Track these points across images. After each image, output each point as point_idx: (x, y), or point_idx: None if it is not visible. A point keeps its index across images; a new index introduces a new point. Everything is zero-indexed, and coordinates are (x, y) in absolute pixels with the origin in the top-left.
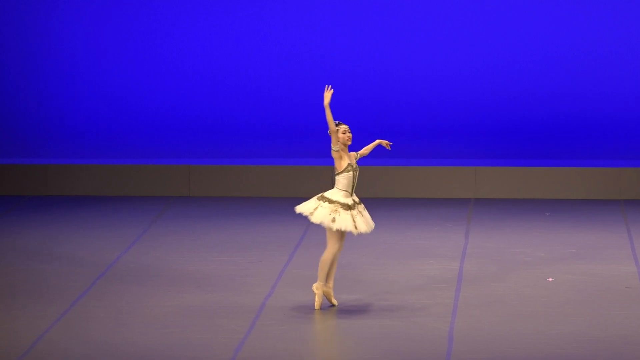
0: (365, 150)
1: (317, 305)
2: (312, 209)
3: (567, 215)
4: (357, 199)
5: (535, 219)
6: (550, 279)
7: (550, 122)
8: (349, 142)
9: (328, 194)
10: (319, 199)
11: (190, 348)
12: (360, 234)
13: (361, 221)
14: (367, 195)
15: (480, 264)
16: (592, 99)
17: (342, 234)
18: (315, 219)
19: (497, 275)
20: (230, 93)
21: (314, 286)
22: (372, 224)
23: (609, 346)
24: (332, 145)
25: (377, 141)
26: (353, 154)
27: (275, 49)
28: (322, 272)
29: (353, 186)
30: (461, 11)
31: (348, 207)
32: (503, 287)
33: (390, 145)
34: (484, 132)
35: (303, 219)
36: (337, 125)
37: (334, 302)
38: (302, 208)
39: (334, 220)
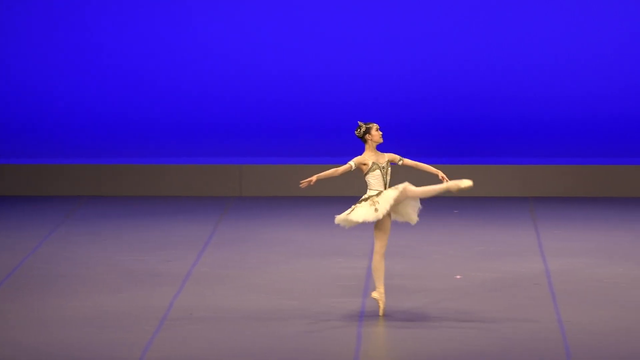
0: (416, 165)
1: (381, 311)
2: (349, 211)
3: (475, 213)
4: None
5: (444, 217)
6: (458, 277)
7: (459, 121)
8: (381, 141)
9: (363, 197)
10: (354, 205)
11: (99, 349)
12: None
13: (381, 201)
14: (282, 193)
15: (389, 262)
16: (496, 100)
17: (386, 230)
18: (357, 218)
19: (407, 273)
20: (139, 92)
21: (373, 294)
22: (409, 216)
23: (519, 344)
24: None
25: (439, 172)
26: (390, 155)
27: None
28: (377, 276)
29: (385, 185)
30: (446, 13)
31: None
32: (414, 283)
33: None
34: (399, 130)
35: (213, 217)
36: (367, 125)
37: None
38: (340, 216)
39: (376, 210)
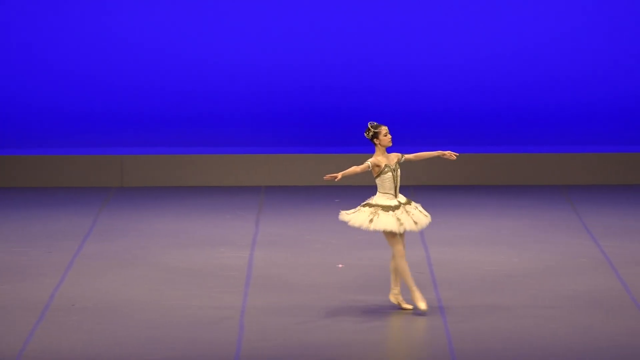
0: (417, 157)
1: (423, 306)
2: (352, 213)
3: (356, 202)
4: (403, 199)
5: (325, 206)
6: (340, 266)
7: (331, 110)
8: (390, 144)
9: (372, 199)
10: (362, 206)
11: None
12: (409, 231)
13: (408, 218)
14: (167, 184)
15: (271, 252)
16: (358, 92)
17: (398, 236)
18: (353, 223)
19: (288, 263)
20: (17, 82)
21: (392, 297)
22: (424, 221)
23: (403, 330)
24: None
25: (439, 152)
26: (396, 155)
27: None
28: (406, 277)
29: (396, 187)
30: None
31: (390, 209)
32: (295, 274)
33: (455, 155)
34: (271, 121)
35: (94, 208)
36: (377, 127)
37: (407, 306)
38: (344, 215)
39: (371, 221)
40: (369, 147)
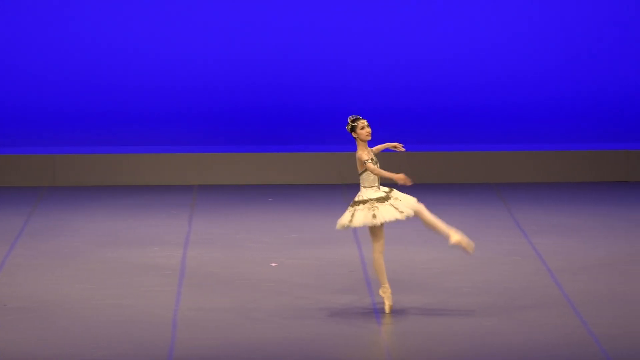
0: (377, 149)
1: (387, 308)
2: (350, 216)
3: (290, 201)
4: (386, 189)
5: (258, 205)
6: (273, 264)
7: (265, 109)
8: (369, 138)
9: (359, 197)
10: (352, 206)
11: None
12: (409, 217)
13: (403, 205)
14: (100, 183)
15: (204, 251)
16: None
17: (381, 230)
18: (356, 223)
19: (222, 262)
20: None
21: (380, 291)
22: (413, 202)
23: (333, 328)
24: (368, 169)
25: (389, 144)
26: (372, 149)
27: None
28: (380, 274)
29: (379, 180)
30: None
31: (383, 200)
32: (227, 273)
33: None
34: (203, 120)
35: (25, 207)
36: (355, 120)
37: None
38: (342, 220)
39: (374, 216)
40: (308, 146)
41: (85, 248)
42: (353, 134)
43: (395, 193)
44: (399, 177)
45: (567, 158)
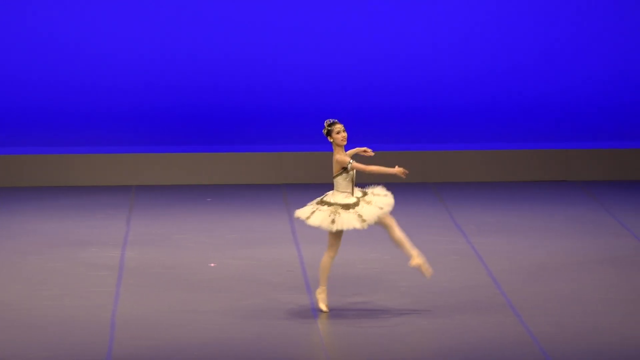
0: (363, 169)
1: (324, 307)
2: (309, 212)
3: (229, 200)
4: (360, 194)
5: (197, 205)
6: (212, 264)
7: (202, 109)
8: (344, 142)
9: (328, 197)
10: (317, 203)
11: None
12: (371, 225)
13: (369, 212)
14: (36, 184)
15: (142, 251)
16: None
17: (339, 236)
18: (313, 222)
19: (160, 262)
20: None
21: (317, 291)
22: (387, 201)
23: (273, 329)
24: (357, 168)
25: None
26: (350, 152)
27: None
28: (322, 275)
29: (353, 185)
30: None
31: (350, 207)
32: (166, 273)
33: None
34: (141, 120)
35: None
36: (331, 124)
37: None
38: (300, 212)
39: (333, 221)
40: (247, 146)
41: (23, 249)
42: (329, 137)
43: (371, 197)
44: (399, 171)
45: (505, 157)
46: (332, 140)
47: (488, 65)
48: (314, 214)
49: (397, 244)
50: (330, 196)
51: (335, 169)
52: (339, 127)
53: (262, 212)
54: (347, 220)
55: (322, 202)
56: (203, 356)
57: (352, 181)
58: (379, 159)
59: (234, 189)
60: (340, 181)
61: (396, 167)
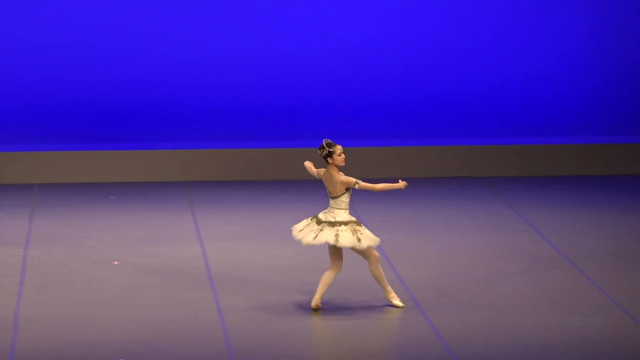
0: (372, 188)
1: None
2: (334, 236)
3: (132, 198)
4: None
5: (99, 203)
6: (116, 263)
7: (109, 106)
8: (342, 164)
9: (330, 217)
10: (317, 224)
11: None
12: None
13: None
14: None
15: (45, 250)
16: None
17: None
18: (345, 243)
19: (63, 261)
20: None
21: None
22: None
23: (178, 328)
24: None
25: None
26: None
27: None
28: (324, 285)
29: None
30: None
31: (358, 224)
32: (70, 272)
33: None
34: (42, 118)
35: None
36: (331, 145)
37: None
38: (321, 238)
39: (359, 240)
40: (150, 144)
41: None
42: (329, 159)
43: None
44: (402, 185)
45: (406, 154)
46: (332, 161)
47: (399, 64)
48: (338, 236)
49: (375, 277)
50: (334, 215)
51: (340, 189)
52: (339, 148)
53: (166, 210)
54: (369, 237)
55: (330, 224)
56: (106, 356)
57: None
58: (274, 155)
59: (137, 186)
60: (344, 199)
61: (399, 181)
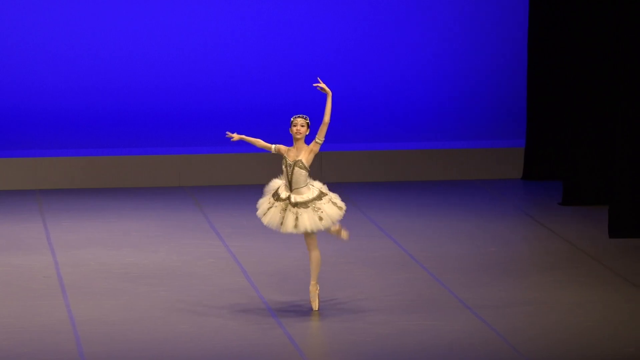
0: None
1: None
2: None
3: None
4: (300, 199)
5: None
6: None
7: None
8: (296, 135)
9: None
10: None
11: None
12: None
13: (288, 218)
14: None
15: None
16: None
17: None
18: (326, 223)
19: None
20: None
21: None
22: (307, 224)
23: (31, 338)
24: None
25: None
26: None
27: None
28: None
29: (290, 183)
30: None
31: (280, 199)
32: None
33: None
34: None
35: None
36: (293, 117)
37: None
38: (304, 225)
39: (321, 219)
40: (1, 152)
41: None
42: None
43: (304, 209)
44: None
45: (257, 160)
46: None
47: (260, 66)
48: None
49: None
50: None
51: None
52: (294, 120)
53: (16, 218)
54: (270, 215)
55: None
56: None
57: (288, 178)
58: (126, 162)
59: (70, 193)
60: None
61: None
